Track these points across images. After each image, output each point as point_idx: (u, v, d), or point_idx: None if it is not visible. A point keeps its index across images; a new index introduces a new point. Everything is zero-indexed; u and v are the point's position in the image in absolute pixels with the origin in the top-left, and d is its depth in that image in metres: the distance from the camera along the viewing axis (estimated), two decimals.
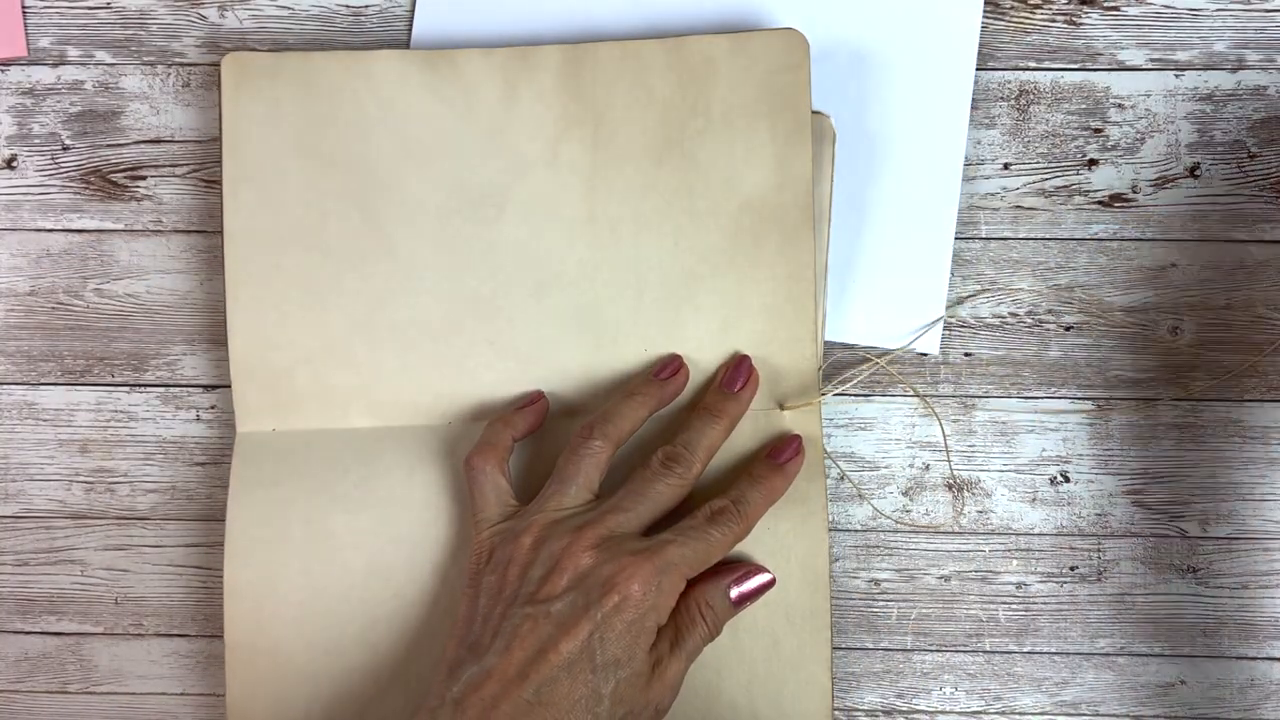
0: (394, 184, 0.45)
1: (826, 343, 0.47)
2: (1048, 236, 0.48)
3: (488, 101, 0.45)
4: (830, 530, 0.49)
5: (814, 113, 0.45)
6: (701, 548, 0.41)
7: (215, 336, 0.48)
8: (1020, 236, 0.48)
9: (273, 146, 0.45)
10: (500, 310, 0.45)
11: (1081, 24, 0.48)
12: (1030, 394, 0.48)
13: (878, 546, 0.49)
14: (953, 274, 0.48)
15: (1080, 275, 0.48)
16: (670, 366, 0.45)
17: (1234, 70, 0.47)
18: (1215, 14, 0.47)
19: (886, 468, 0.48)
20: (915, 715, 0.49)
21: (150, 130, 0.49)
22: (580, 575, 0.39)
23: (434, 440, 0.45)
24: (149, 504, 0.49)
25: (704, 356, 0.45)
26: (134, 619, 0.49)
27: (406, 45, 0.49)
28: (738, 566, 0.43)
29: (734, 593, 0.42)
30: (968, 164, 0.48)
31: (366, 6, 0.49)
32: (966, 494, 0.48)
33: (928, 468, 0.48)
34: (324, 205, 0.45)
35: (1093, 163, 0.48)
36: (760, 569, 0.43)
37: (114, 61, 0.49)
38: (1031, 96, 0.48)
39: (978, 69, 0.48)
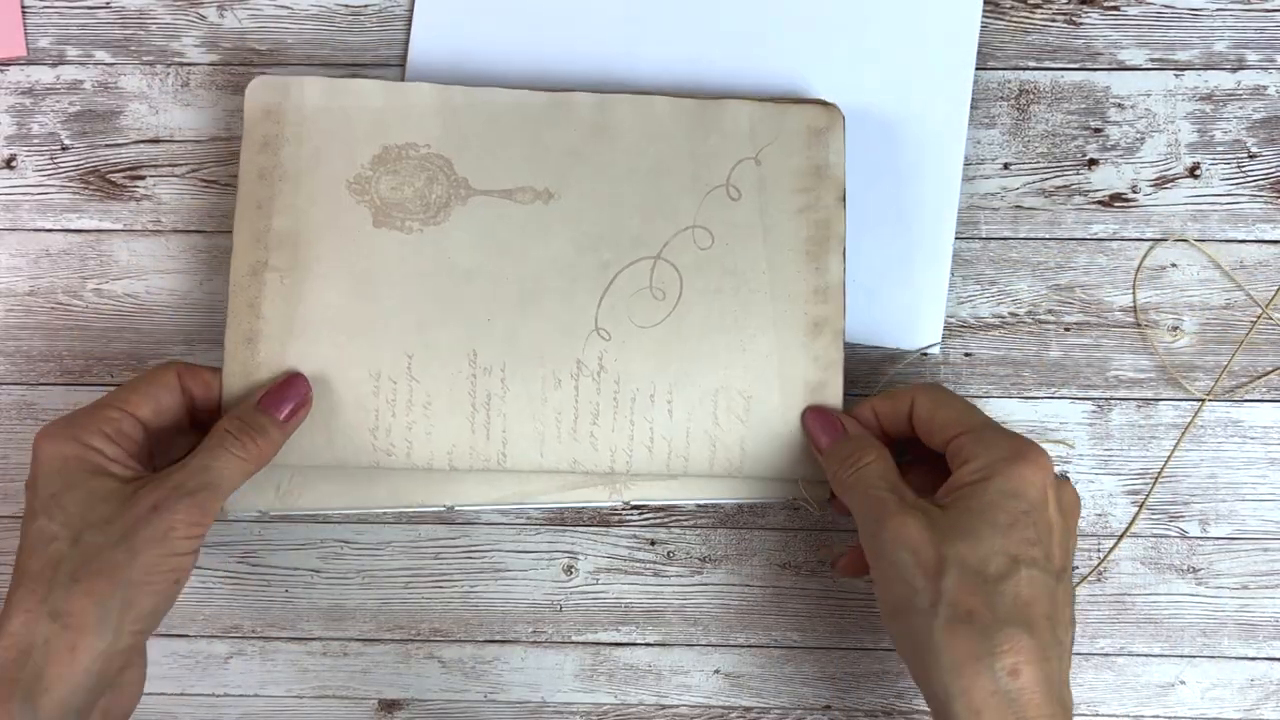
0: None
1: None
2: (1048, 236, 0.48)
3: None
4: (830, 530, 0.49)
5: (822, 102, 0.45)
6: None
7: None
8: (1020, 236, 0.48)
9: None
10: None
11: (1081, 24, 0.48)
12: (1030, 394, 0.48)
13: None
14: (953, 274, 0.48)
15: (1080, 275, 0.48)
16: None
17: (1234, 70, 0.47)
18: (1215, 14, 0.47)
19: None
20: (915, 715, 0.49)
21: (149, 130, 0.49)
22: None
23: None
24: None
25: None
26: None
27: (405, 45, 0.49)
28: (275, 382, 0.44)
29: (261, 398, 0.43)
30: (967, 164, 0.48)
31: (366, 6, 0.49)
32: None
33: None
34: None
35: (1092, 162, 0.48)
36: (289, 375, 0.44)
37: (113, 61, 0.49)
38: (1031, 96, 0.48)
39: (977, 68, 0.48)
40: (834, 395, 0.44)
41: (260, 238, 0.45)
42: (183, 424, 0.43)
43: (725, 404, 0.44)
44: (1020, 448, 0.39)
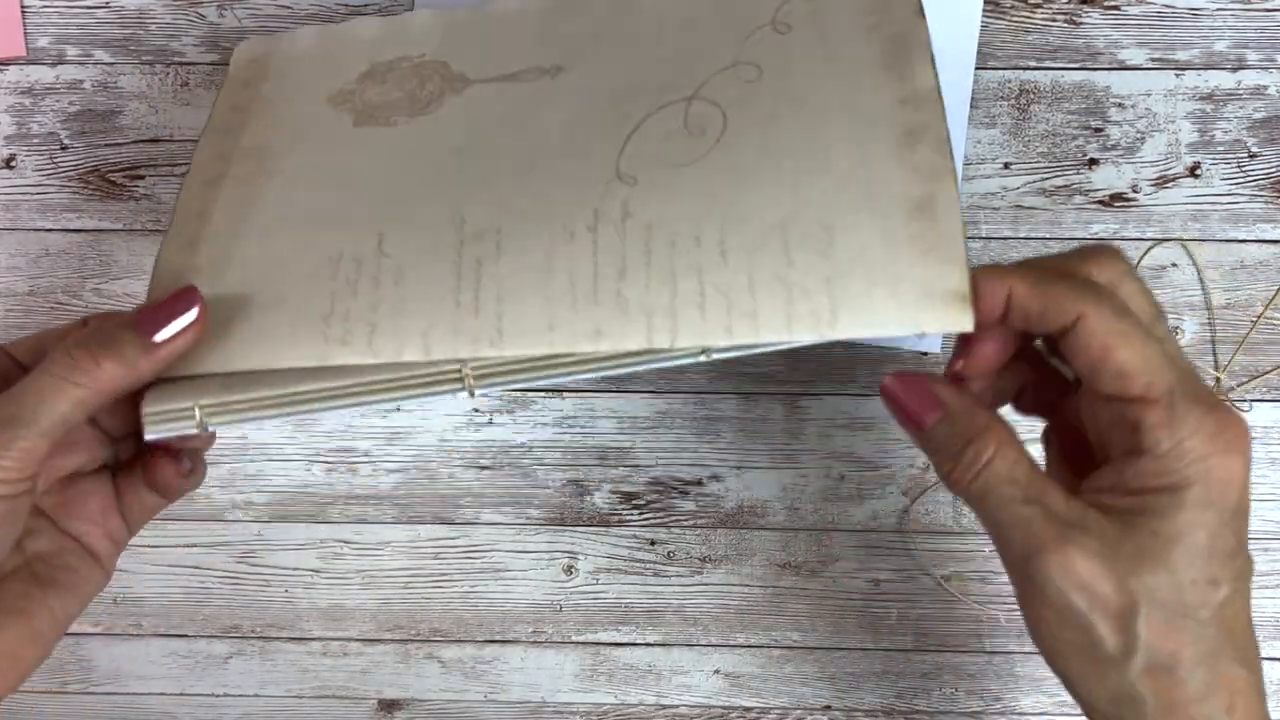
0: None
1: (826, 342, 0.45)
2: (1048, 236, 0.48)
3: None
4: (830, 530, 0.49)
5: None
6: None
7: None
8: (1020, 236, 0.48)
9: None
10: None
11: (1082, 23, 0.48)
12: None
13: (878, 546, 0.48)
14: None
15: None
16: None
17: (1234, 70, 0.47)
18: (1215, 13, 0.47)
19: (887, 468, 0.48)
20: (915, 716, 0.49)
21: (149, 129, 0.49)
22: None
23: None
24: None
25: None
26: (133, 619, 0.49)
27: None
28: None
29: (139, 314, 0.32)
30: (968, 163, 0.48)
31: (365, 5, 0.49)
32: None
33: (928, 468, 0.48)
34: None
35: (1093, 162, 0.48)
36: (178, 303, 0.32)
37: (112, 61, 0.49)
38: (1032, 96, 0.48)
39: (977, 68, 0.47)
40: (948, 211, 0.31)
41: (224, 155, 0.38)
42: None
43: (799, 238, 0.31)
44: (1224, 431, 0.30)
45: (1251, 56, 0.47)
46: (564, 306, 0.32)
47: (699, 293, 0.31)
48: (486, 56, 0.39)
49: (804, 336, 0.30)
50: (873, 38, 0.35)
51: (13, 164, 0.49)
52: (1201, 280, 0.47)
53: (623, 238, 0.33)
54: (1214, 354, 0.47)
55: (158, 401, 0.33)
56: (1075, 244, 0.48)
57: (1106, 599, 0.30)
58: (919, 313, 0.30)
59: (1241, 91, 0.47)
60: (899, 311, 0.30)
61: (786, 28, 0.36)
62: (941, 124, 0.33)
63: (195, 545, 0.49)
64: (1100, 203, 0.48)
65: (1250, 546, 0.48)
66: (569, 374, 0.32)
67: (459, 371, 0.32)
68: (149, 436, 0.33)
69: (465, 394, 0.32)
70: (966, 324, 0.30)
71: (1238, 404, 0.48)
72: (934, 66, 0.35)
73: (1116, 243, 0.48)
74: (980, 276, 0.30)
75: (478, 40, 0.40)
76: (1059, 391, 0.34)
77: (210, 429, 0.33)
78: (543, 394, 0.48)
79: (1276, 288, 0.47)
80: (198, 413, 0.32)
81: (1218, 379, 0.47)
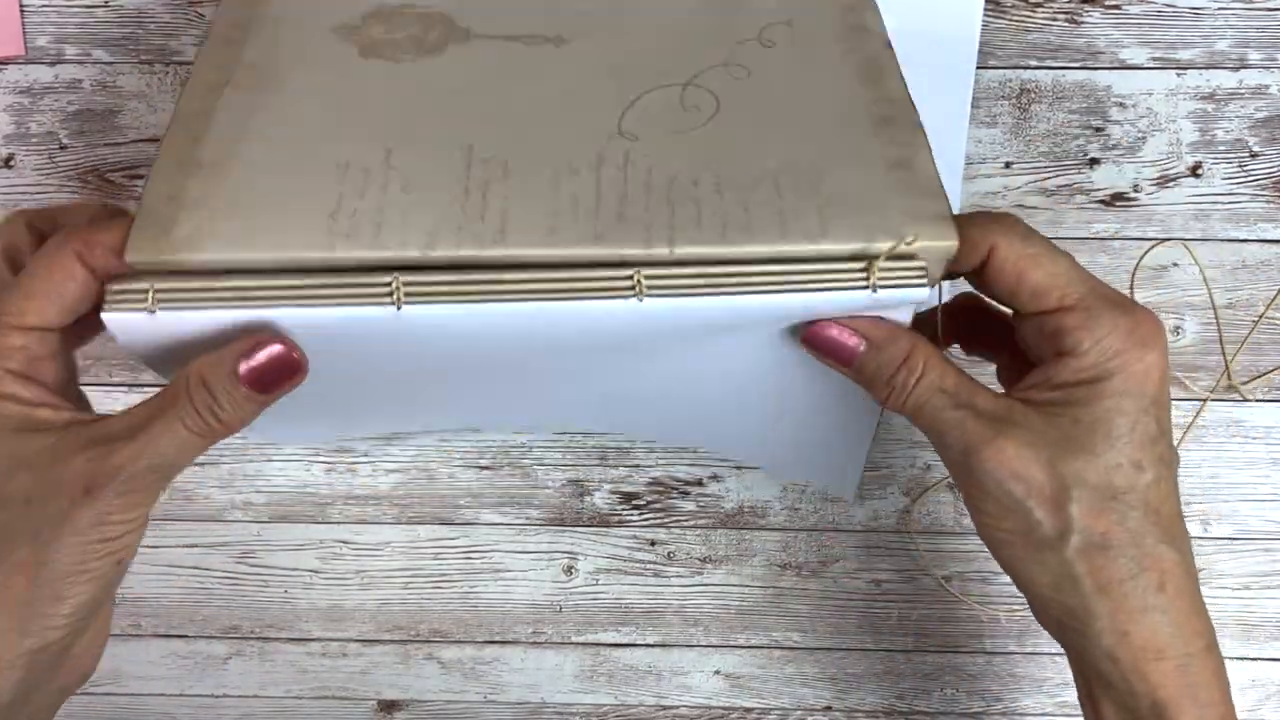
0: None
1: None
2: (1049, 236, 0.47)
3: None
4: (830, 530, 0.49)
5: None
6: None
7: None
8: None
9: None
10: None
11: (1083, 22, 0.47)
12: None
13: (878, 547, 0.48)
14: None
15: None
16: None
17: (1236, 69, 0.47)
18: (1217, 13, 0.47)
19: (887, 468, 0.48)
20: (916, 716, 0.49)
21: (148, 129, 0.49)
22: None
23: None
24: None
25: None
26: (132, 619, 0.49)
27: None
28: (254, 338, 0.33)
29: (243, 367, 0.32)
30: (969, 163, 0.48)
31: None
32: None
33: (928, 468, 0.48)
34: None
35: (1094, 162, 0.48)
36: (275, 340, 0.32)
37: (111, 60, 0.49)
38: (1033, 95, 0.48)
39: (978, 67, 0.47)
40: (924, 167, 0.34)
41: (225, 66, 0.39)
42: (97, 302, 0.33)
43: (790, 180, 0.34)
44: (1139, 327, 0.32)
45: (1253, 56, 0.47)
46: (567, 216, 0.34)
47: (696, 213, 0.34)
48: (490, 17, 0.41)
49: (797, 245, 0.32)
50: (848, 59, 0.39)
51: (11, 163, 0.49)
52: (1205, 279, 0.47)
53: (624, 175, 0.35)
54: (1223, 353, 0.47)
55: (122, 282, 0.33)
56: (1077, 244, 0.48)
57: (1041, 485, 0.32)
58: (903, 228, 0.32)
59: (1243, 91, 0.47)
60: (886, 228, 0.32)
61: (771, 43, 0.40)
62: (913, 116, 0.36)
63: (194, 545, 0.49)
64: (1101, 202, 0.48)
65: (1251, 546, 0.48)
66: (503, 300, 0.33)
67: (389, 286, 0.33)
68: (105, 315, 0.32)
69: (393, 309, 0.32)
70: (952, 239, 0.32)
71: (1240, 404, 0.48)
72: (904, 83, 0.38)
73: (1118, 242, 0.48)
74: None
75: (482, 2, 0.41)
76: (998, 329, 0.37)
77: (155, 312, 0.32)
78: None
79: (1278, 287, 0.47)
80: (150, 295, 0.32)
81: (1229, 380, 0.47)
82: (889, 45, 0.39)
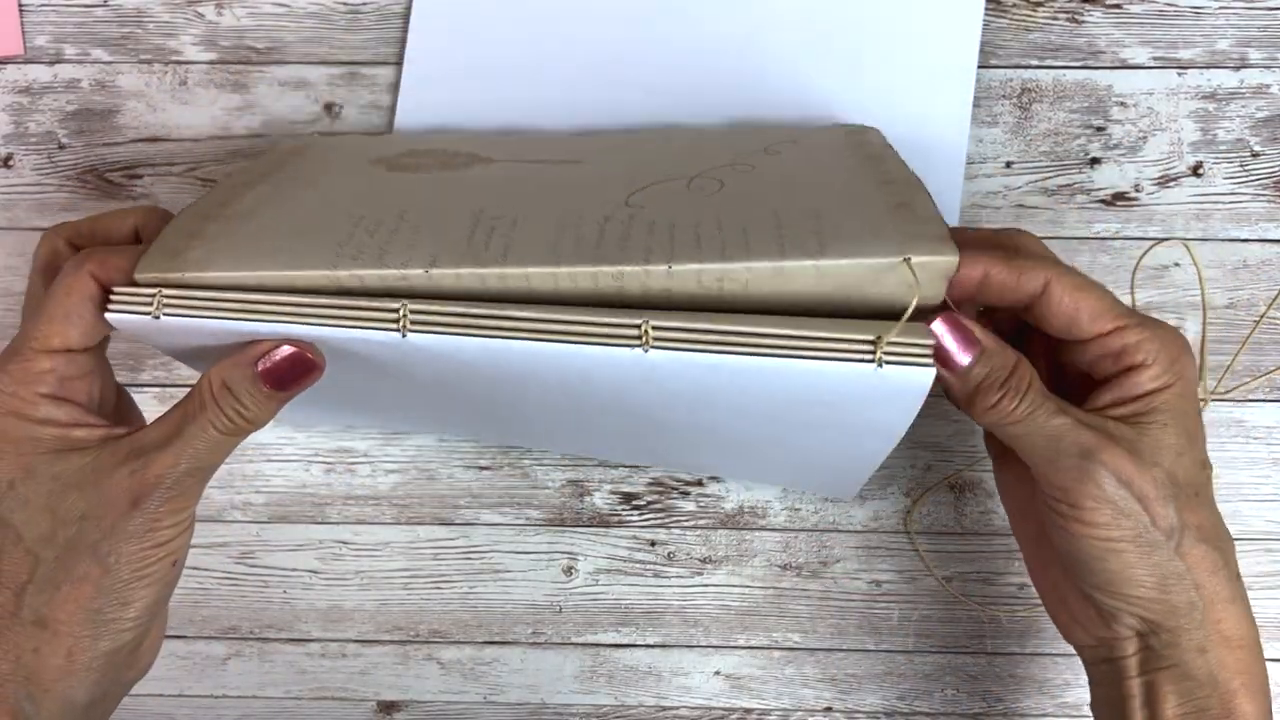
0: None
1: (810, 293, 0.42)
2: (1050, 235, 0.48)
3: None
4: (831, 531, 0.48)
5: (863, 127, 0.44)
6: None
7: None
8: None
9: None
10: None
11: (1084, 22, 0.47)
12: None
13: (879, 547, 0.48)
14: None
15: None
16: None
17: (1237, 68, 0.47)
18: (1218, 12, 0.47)
19: (888, 468, 0.48)
20: (916, 717, 0.49)
21: (147, 129, 0.49)
22: None
23: None
24: None
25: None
26: None
27: (403, 43, 0.49)
28: (272, 341, 0.34)
29: (261, 369, 0.34)
30: (970, 163, 0.48)
31: (364, 4, 0.49)
32: (968, 494, 0.48)
33: (929, 468, 0.48)
34: None
35: (1095, 161, 0.47)
36: (291, 342, 0.34)
37: (110, 60, 0.49)
38: (1034, 95, 0.47)
39: (979, 67, 0.47)
40: (924, 207, 0.34)
41: (260, 175, 0.41)
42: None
43: (790, 218, 0.35)
44: (1176, 336, 0.35)
45: (1254, 55, 0.47)
46: (569, 243, 0.34)
47: (695, 238, 0.34)
48: (513, 154, 0.43)
49: (795, 260, 0.32)
50: (852, 155, 0.40)
51: (10, 163, 0.49)
52: (1200, 280, 0.47)
53: (628, 229, 0.35)
54: (1203, 355, 0.47)
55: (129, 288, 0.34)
56: (1078, 244, 0.48)
57: (1149, 487, 0.34)
58: (903, 245, 0.32)
59: (1244, 90, 0.47)
60: (884, 248, 0.32)
61: (777, 152, 0.41)
62: (914, 177, 0.37)
63: (193, 545, 0.49)
64: (1102, 202, 0.47)
65: (1252, 547, 0.48)
66: (510, 337, 0.33)
67: (396, 312, 0.33)
68: (108, 315, 0.34)
69: (398, 335, 0.33)
70: (952, 255, 0.32)
71: (1241, 404, 0.47)
72: (907, 166, 0.38)
73: (1119, 242, 0.47)
74: (963, 266, 0.34)
75: (505, 145, 0.44)
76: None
77: (160, 317, 0.33)
78: None
79: (1279, 287, 0.47)
80: (156, 301, 0.33)
81: (1205, 393, 0.47)
82: (888, 143, 0.41)
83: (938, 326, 0.33)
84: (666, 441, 0.43)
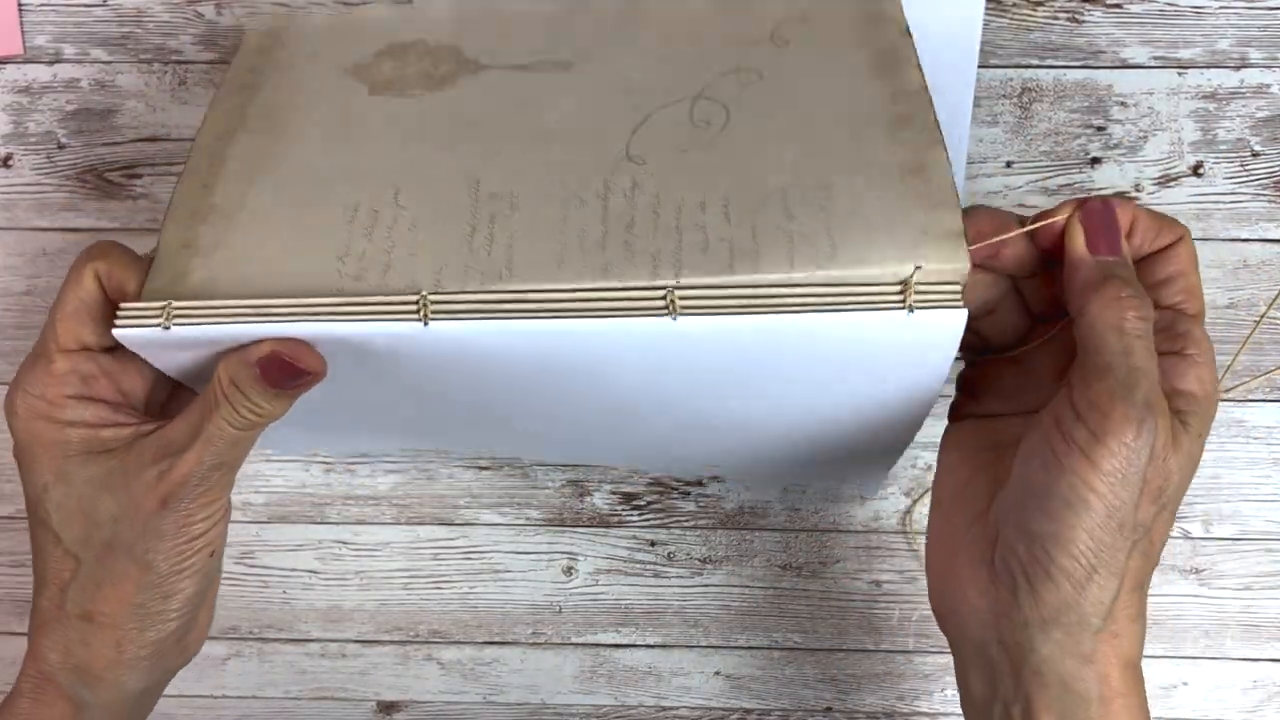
0: None
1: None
2: None
3: None
4: (831, 531, 0.48)
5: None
6: None
7: None
8: None
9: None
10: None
11: (1084, 21, 0.47)
12: None
13: (879, 548, 0.48)
14: None
15: None
16: None
17: (1237, 68, 0.47)
18: (1219, 11, 0.47)
19: None
20: (916, 717, 0.49)
21: (146, 128, 0.49)
22: None
23: None
24: None
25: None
26: None
27: None
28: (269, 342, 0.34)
29: (260, 369, 0.33)
30: (970, 162, 0.47)
31: (364, 4, 0.49)
32: None
33: (929, 468, 0.48)
34: None
35: (1095, 161, 0.47)
36: (289, 342, 0.33)
37: (110, 59, 0.49)
38: (1034, 94, 0.47)
39: (980, 67, 0.47)
40: (938, 172, 0.34)
41: (240, 109, 0.39)
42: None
43: (799, 197, 0.34)
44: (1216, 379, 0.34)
45: (1254, 55, 0.47)
46: (574, 250, 0.33)
47: (703, 240, 0.33)
48: (499, 46, 0.41)
49: (805, 272, 0.32)
50: (862, 50, 0.38)
51: (10, 163, 0.49)
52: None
53: (631, 203, 0.34)
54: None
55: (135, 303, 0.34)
56: None
57: (1156, 476, 0.31)
58: (916, 249, 0.32)
59: (1244, 90, 0.47)
60: (896, 250, 0.32)
61: (784, 42, 0.39)
62: (930, 113, 0.35)
63: None
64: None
65: (1252, 547, 0.48)
66: (534, 316, 0.33)
67: (417, 301, 0.33)
68: (115, 332, 0.33)
69: (420, 324, 0.33)
70: (962, 261, 0.32)
71: (1241, 404, 0.47)
72: (921, 72, 0.37)
73: None
74: (975, 227, 0.33)
75: (490, 31, 0.41)
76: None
77: (170, 328, 0.33)
78: None
79: (1279, 287, 0.47)
80: (166, 313, 0.33)
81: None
82: (907, 32, 0.39)
83: (1085, 208, 0.33)
84: (691, 439, 0.42)
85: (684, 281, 0.32)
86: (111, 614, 0.35)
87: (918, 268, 0.31)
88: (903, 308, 0.31)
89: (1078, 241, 0.33)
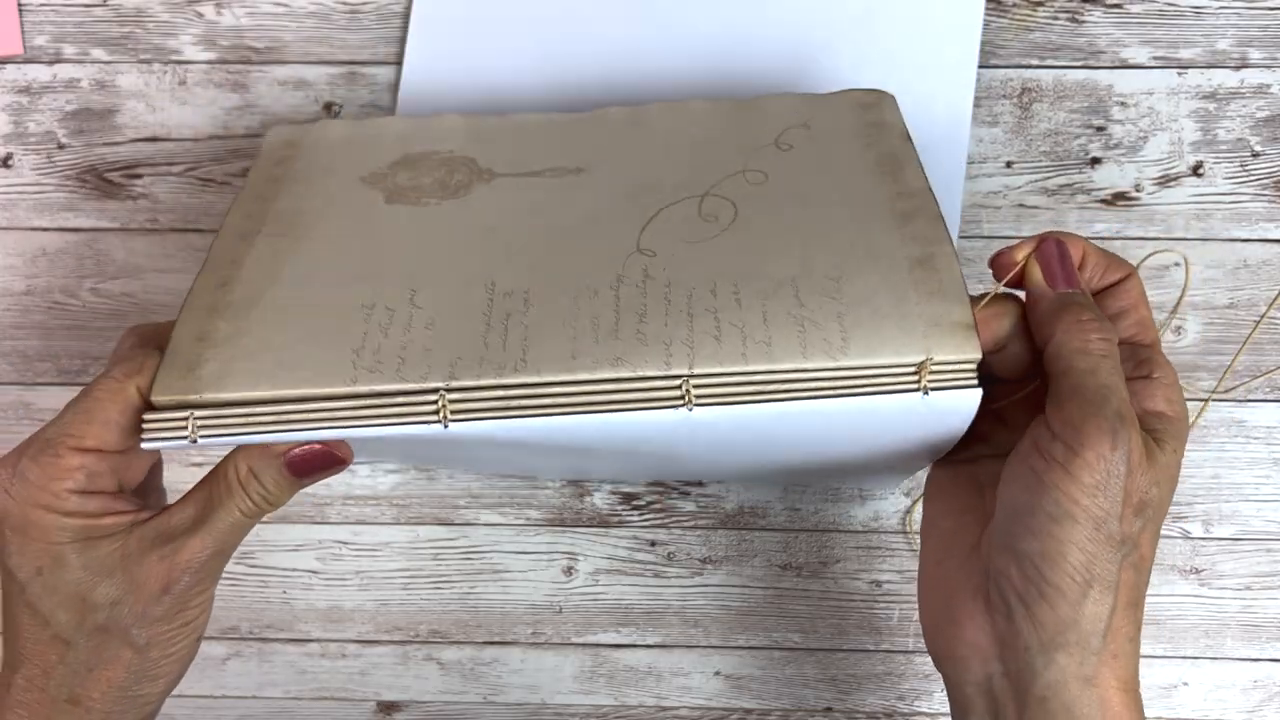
0: None
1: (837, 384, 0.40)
2: None
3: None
4: (831, 531, 0.48)
5: (877, 94, 0.42)
6: None
7: None
8: (1023, 235, 0.47)
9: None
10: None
11: (1084, 21, 0.47)
12: None
13: (879, 548, 0.48)
14: None
15: None
16: None
17: (1237, 68, 0.47)
18: (1219, 11, 0.47)
19: None
20: (916, 717, 0.49)
21: (146, 128, 0.49)
22: None
23: None
24: None
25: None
26: None
27: (402, 43, 0.49)
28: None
29: (289, 460, 0.35)
30: (970, 162, 0.48)
31: (364, 3, 0.49)
32: None
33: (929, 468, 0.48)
34: None
35: (1095, 161, 0.47)
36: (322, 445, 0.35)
37: (110, 59, 0.49)
38: (1034, 94, 0.47)
39: (980, 67, 0.47)
40: (947, 265, 0.34)
41: (258, 215, 0.41)
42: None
43: (809, 286, 0.34)
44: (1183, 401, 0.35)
45: (1254, 55, 0.47)
46: (587, 339, 0.34)
47: (715, 327, 0.34)
48: (511, 156, 0.42)
49: (818, 362, 0.33)
50: (865, 154, 0.40)
51: (10, 163, 0.49)
52: (1184, 288, 0.47)
53: (643, 292, 0.35)
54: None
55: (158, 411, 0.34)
56: None
57: (1136, 489, 0.32)
58: (927, 340, 0.33)
59: (1244, 90, 0.47)
60: (908, 341, 0.33)
61: (788, 147, 0.41)
62: (934, 208, 0.37)
63: None
64: (1103, 202, 0.47)
65: (1252, 547, 0.48)
66: (547, 413, 0.33)
67: (436, 403, 0.33)
68: (145, 445, 0.34)
69: (439, 426, 0.33)
70: (974, 352, 0.32)
71: (1242, 404, 0.47)
72: (923, 172, 0.38)
73: (1119, 242, 0.47)
74: (983, 314, 0.34)
75: (502, 142, 0.43)
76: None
77: (199, 441, 0.34)
78: None
79: (1279, 287, 0.47)
80: (190, 424, 0.34)
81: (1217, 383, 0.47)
82: (907, 138, 0.40)
83: (1043, 245, 0.34)
84: (703, 466, 0.44)
85: (698, 371, 0.33)
86: (100, 698, 0.35)
87: (929, 359, 0.32)
88: (918, 389, 0.32)
89: (1036, 277, 0.34)
